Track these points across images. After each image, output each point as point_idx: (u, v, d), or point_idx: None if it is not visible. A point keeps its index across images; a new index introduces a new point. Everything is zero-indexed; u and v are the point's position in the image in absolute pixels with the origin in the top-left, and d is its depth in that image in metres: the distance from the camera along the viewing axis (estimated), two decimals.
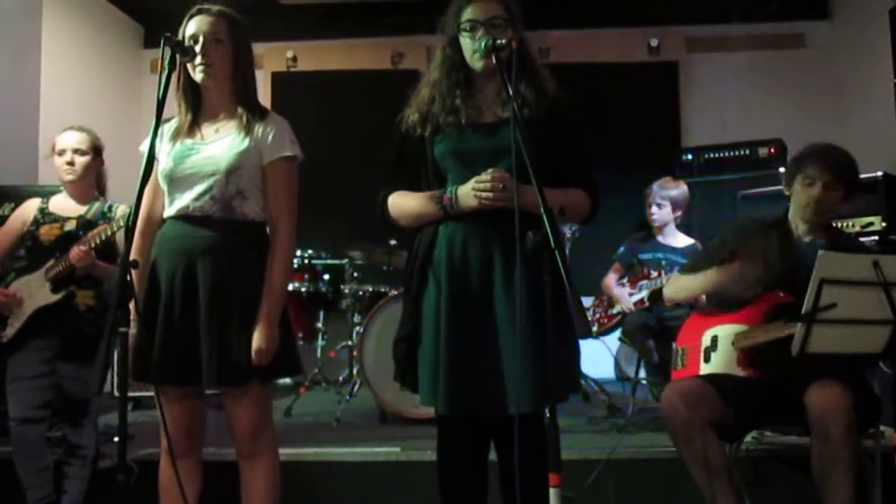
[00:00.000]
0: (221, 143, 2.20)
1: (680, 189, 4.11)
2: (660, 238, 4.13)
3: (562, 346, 1.92)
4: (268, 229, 2.27)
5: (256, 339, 2.13)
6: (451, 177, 2.10)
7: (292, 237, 2.25)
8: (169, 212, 2.23)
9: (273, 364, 2.17)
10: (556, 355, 1.76)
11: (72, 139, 2.92)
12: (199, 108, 2.25)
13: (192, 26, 2.17)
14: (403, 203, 2.15)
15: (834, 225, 2.68)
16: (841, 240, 2.56)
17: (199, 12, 2.19)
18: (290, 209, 2.24)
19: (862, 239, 3.39)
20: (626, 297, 4.04)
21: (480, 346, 2.00)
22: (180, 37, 2.16)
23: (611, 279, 4.20)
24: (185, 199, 2.18)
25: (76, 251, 2.76)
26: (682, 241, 4.13)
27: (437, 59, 2.18)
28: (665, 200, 4.08)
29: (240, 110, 2.22)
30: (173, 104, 2.21)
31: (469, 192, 2.01)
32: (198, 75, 2.17)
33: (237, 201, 2.20)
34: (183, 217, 2.19)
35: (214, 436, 2.45)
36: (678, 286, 2.80)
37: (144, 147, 2.24)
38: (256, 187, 2.23)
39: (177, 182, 2.19)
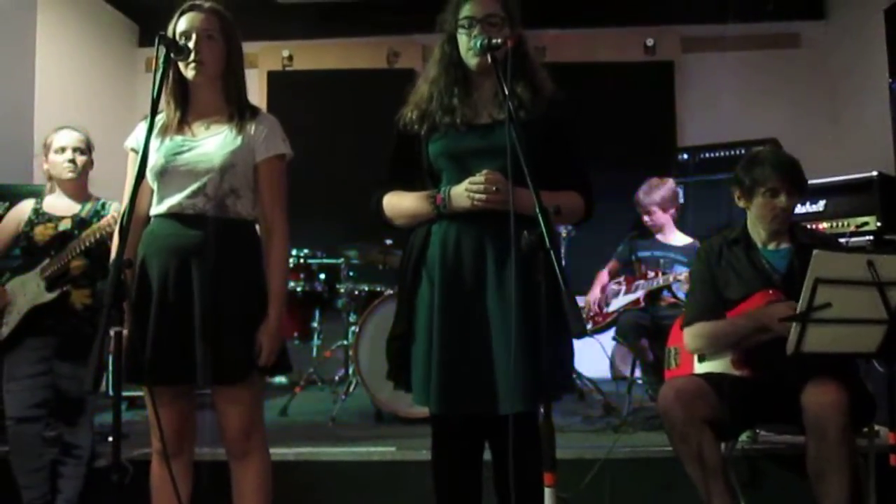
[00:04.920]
0: (214, 140, 2.18)
1: (664, 189, 4.11)
2: (659, 237, 4.14)
3: (555, 345, 1.92)
4: (257, 227, 2.26)
5: (265, 339, 2.13)
6: (446, 177, 2.10)
7: (288, 234, 2.25)
8: (158, 209, 2.19)
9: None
10: (549, 354, 1.76)
11: (73, 138, 2.94)
12: (187, 106, 2.22)
13: (184, 23, 2.15)
14: (398, 202, 2.15)
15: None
16: (811, 239, 2.57)
17: (191, 8, 2.17)
18: (283, 207, 2.24)
19: (856, 239, 3.39)
20: (597, 293, 4.20)
21: (473, 344, 1.99)
22: (171, 32, 2.14)
23: (602, 275, 4.22)
24: (177, 197, 2.16)
25: (109, 218, 2.74)
26: (680, 239, 4.13)
27: (436, 55, 2.17)
28: (653, 206, 4.08)
29: (231, 108, 2.21)
30: (161, 101, 2.19)
31: (462, 193, 2.01)
32: (189, 73, 2.15)
33: (231, 199, 2.19)
34: (175, 215, 2.16)
35: (207, 436, 2.43)
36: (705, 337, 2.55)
37: (131, 143, 2.23)
38: (248, 186, 2.22)
39: (168, 179, 2.16)
